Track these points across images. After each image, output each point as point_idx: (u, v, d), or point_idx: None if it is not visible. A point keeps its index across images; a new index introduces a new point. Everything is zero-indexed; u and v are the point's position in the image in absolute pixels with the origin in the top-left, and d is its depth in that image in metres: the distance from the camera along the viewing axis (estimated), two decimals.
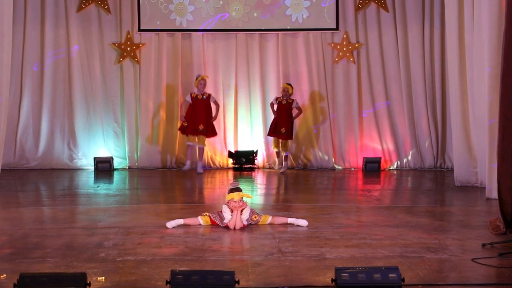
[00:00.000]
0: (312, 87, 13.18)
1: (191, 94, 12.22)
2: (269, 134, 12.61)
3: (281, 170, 12.36)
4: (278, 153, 12.58)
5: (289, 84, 12.53)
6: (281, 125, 12.28)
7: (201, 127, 11.99)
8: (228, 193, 7.00)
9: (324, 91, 13.17)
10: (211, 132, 12.21)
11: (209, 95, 12.25)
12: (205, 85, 12.20)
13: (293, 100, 12.39)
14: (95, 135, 13.03)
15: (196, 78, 12.24)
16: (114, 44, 12.94)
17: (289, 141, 12.52)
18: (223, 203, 7.12)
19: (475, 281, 5.18)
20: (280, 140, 12.40)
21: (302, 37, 13.17)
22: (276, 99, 12.50)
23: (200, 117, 12.02)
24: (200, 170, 12.09)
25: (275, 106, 12.49)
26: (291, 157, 12.95)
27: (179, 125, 12.46)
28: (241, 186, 7.15)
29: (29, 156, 12.82)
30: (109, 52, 12.99)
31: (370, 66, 13.16)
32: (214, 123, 12.33)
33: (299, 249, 6.01)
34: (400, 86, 13.05)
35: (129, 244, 6.18)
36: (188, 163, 12.23)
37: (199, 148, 12.17)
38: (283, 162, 12.47)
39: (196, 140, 12.13)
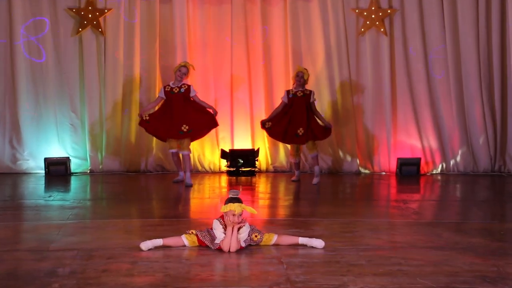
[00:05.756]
0: (331, 66, 13.19)
1: (164, 88, 11.78)
2: (283, 139, 12.10)
3: (314, 182, 11.81)
4: (297, 164, 12.16)
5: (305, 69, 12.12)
6: (298, 124, 11.72)
7: (184, 127, 11.55)
8: (226, 203, 6.97)
9: (347, 71, 13.19)
10: (199, 130, 11.79)
11: (189, 86, 11.75)
12: (186, 74, 11.77)
13: (310, 91, 11.99)
14: (46, 129, 13.03)
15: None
16: (71, 9, 12.94)
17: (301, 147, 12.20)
18: (215, 217, 7.11)
19: None
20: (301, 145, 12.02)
21: (318, 1, 13.18)
22: (288, 92, 12.00)
23: (180, 115, 11.58)
24: (189, 181, 11.65)
25: (286, 100, 11.94)
26: (303, 159, 12.95)
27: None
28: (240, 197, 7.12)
29: None
30: (64, 19, 12.98)
31: (407, 38, 13.18)
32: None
33: (314, 278, 6.00)
34: (446, 64, 13.07)
35: (91, 271, 6.17)
36: (181, 174, 11.97)
37: (183, 156, 11.77)
38: (316, 167, 11.95)
39: (177, 145, 11.75)
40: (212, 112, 11.77)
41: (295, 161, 12.08)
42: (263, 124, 11.97)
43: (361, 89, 13.24)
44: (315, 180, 11.82)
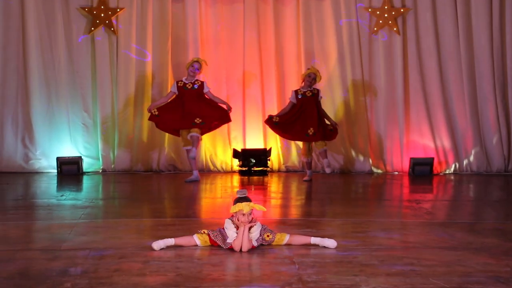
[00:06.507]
0: (343, 65, 13.17)
1: (177, 83, 11.85)
2: (294, 138, 12.20)
3: (328, 171, 11.81)
4: (309, 164, 12.11)
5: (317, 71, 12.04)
6: (308, 124, 11.71)
7: (197, 120, 11.60)
8: (234, 204, 6.98)
9: (359, 71, 13.17)
10: (212, 123, 11.82)
11: (202, 83, 11.82)
12: (199, 70, 11.82)
13: (317, 90, 12.00)
14: (58, 128, 13.06)
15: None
16: (83, 8, 12.96)
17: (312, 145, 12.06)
18: (227, 217, 7.11)
19: None
20: (312, 144, 11.94)
21: (330, 0, 13.16)
22: (296, 92, 11.99)
23: (193, 110, 11.61)
24: (193, 154, 11.65)
25: (294, 100, 11.94)
26: (315, 158, 12.91)
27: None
28: (249, 196, 7.12)
29: None
30: (76, 19, 13.01)
31: (420, 37, 13.15)
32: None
33: (326, 278, 5.99)
34: (459, 64, 13.03)
35: (103, 271, 6.18)
36: (195, 173, 11.89)
37: (192, 136, 11.69)
38: (324, 160, 11.87)
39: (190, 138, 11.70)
40: (226, 108, 11.78)
41: (307, 160, 12.06)
42: (270, 117, 11.92)
43: (374, 89, 13.22)
44: (328, 170, 11.79)
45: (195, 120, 11.59)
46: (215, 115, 11.79)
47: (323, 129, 11.77)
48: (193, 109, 11.62)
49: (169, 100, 11.94)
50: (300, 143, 12.68)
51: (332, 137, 11.98)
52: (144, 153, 13.12)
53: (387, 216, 9.23)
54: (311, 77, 11.83)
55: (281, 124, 11.87)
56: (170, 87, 12.68)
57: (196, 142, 11.78)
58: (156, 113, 11.68)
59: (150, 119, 11.86)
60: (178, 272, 6.13)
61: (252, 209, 6.92)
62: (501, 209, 9.78)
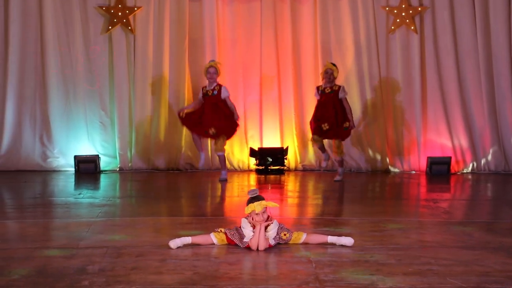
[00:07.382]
0: (360, 64, 13.15)
1: (202, 89, 11.84)
2: (314, 132, 11.98)
3: (336, 178, 11.85)
4: (322, 148, 11.98)
5: (334, 65, 11.91)
6: (323, 119, 11.66)
7: (211, 131, 11.58)
8: (247, 204, 6.98)
9: (376, 69, 13.14)
10: (223, 135, 11.73)
11: (220, 88, 11.71)
12: (216, 74, 11.65)
13: (339, 86, 11.83)
14: (76, 127, 13.10)
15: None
16: (101, 7, 13.00)
17: (342, 143, 11.92)
18: (244, 215, 7.11)
19: None
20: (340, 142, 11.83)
21: None
22: (318, 88, 11.94)
23: (209, 119, 11.59)
24: (223, 176, 11.85)
25: (317, 97, 11.90)
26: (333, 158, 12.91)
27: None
28: (266, 195, 7.11)
29: None
30: (94, 18, 13.05)
31: (437, 36, 13.11)
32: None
33: (343, 277, 5.98)
34: (477, 62, 12.98)
35: (120, 269, 6.19)
36: (202, 156, 11.96)
37: (218, 157, 11.90)
38: (339, 168, 11.93)
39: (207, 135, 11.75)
40: (234, 117, 11.78)
41: (338, 158, 11.92)
42: (311, 121, 11.96)
43: (391, 87, 13.18)
44: (338, 178, 11.82)
45: (210, 131, 11.56)
46: (226, 128, 11.72)
47: (336, 127, 11.66)
48: (209, 117, 11.60)
49: (197, 107, 11.91)
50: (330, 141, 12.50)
51: (344, 136, 11.86)
52: (161, 152, 13.14)
53: (404, 215, 9.21)
54: (328, 73, 11.75)
55: (312, 120, 11.90)
56: (187, 86, 12.83)
57: (223, 165, 11.90)
58: (183, 117, 11.73)
59: (180, 121, 11.93)
60: (195, 271, 6.13)
61: (266, 207, 6.91)
62: None
